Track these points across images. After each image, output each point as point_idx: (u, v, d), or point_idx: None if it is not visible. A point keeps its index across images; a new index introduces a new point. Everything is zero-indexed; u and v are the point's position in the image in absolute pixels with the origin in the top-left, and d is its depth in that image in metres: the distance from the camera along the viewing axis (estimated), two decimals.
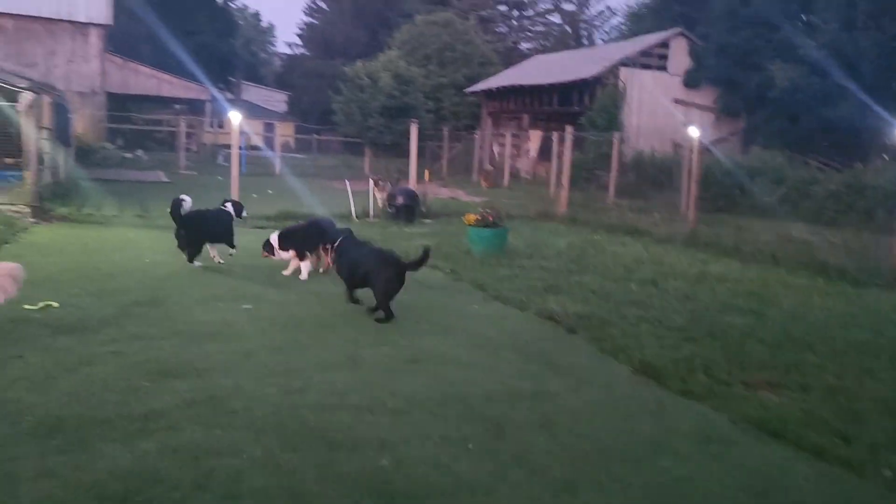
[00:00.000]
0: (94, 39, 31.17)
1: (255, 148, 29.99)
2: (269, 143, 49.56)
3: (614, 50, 29.68)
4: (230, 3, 62.17)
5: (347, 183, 16.27)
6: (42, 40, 30.32)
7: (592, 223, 16.17)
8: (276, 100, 63.42)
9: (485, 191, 24.72)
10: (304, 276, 8.93)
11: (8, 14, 29.55)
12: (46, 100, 15.46)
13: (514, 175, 28.83)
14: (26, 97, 12.91)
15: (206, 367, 5.33)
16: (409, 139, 30.35)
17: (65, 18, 30.47)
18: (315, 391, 4.94)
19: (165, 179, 23.49)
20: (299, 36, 67.46)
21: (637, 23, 40.92)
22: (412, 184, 16.59)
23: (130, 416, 4.38)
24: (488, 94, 36.66)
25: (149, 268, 9.14)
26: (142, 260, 9.67)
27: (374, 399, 4.84)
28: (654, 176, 24.02)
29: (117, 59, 32.74)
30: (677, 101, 29.70)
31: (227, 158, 32.75)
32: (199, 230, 9.32)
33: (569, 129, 18.33)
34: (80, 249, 10.27)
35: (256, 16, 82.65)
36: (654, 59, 29.28)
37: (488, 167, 29.18)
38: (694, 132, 19.16)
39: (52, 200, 14.35)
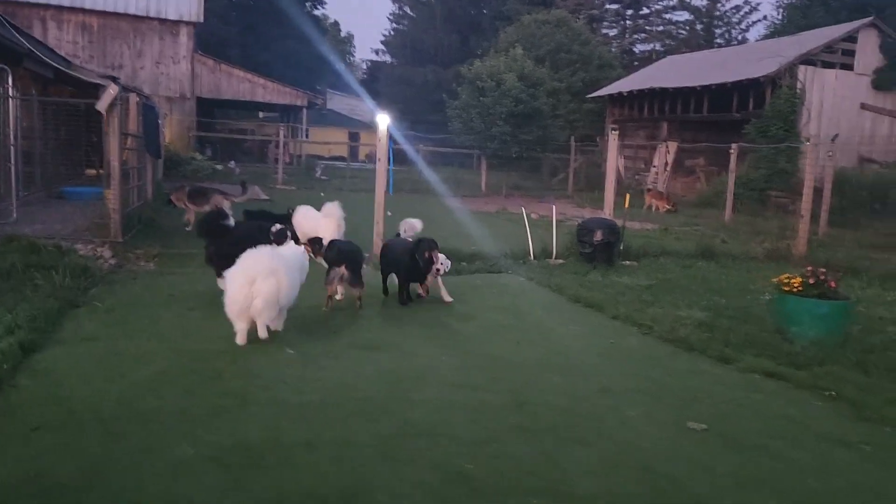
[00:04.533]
0: (185, 39, 28.18)
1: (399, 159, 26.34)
2: (354, 152, 46.57)
3: (785, 45, 24.75)
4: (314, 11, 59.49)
5: (523, 209, 12.05)
6: (129, 39, 27.44)
7: (853, 269, 11.55)
8: (361, 109, 60.50)
9: (660, 216, 20.17)
10: None
11: (94, 11, 26.79)
12: (134, 98, 11.88)
13: (641, 193, 24.15)
14: (109, 91, 9.23)
15: None
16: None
17: (153, 16, 27.55)
18: None
19: (264, 196, 19.88)
20: (384, 43, 64.26)
21: (798, 16, 35.43)
22: (608, 212, 12.27)
23: None
24: (614, 99, 32.12)
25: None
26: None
27: None
28: (862, 199, 19.06)
29: (209, 61, 29.66)
30: (864, 107, 24.54)
31: (326, 172, 29.40)
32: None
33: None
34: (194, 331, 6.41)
35: (336, 25, 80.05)
36: (837, 56, 24.24)
37: (651, 185, 24.55)
38: None
39: (140, 234, 10.69)
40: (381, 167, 10.37)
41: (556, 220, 11.88)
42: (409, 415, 4.69)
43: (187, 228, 11.98)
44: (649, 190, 22.59)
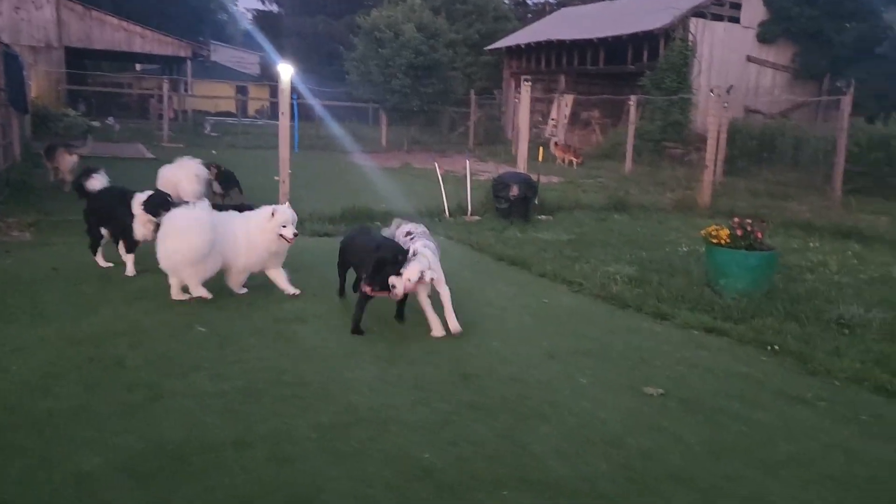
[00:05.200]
0: None
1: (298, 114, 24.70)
2: (243, 108, 44.32)
3: None
4: None
5: (437, 165, 11.55)
6: None
7: (756, 217, 11.83)
8: (248, 62, 57.59)
9: (563, 169, 20.08)
10: None
11: None
12: None
13: (542, 146, 24.07)
14: None
15: None
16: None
17: None
18: None
19: (150, 155, 18.44)
20: None
21: None
22: (522, 165, 11.98)
23: None
24: (511, 52, 31.86)
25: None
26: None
27: None
28: (752, 149, 19.74)
29: (77, 7, 27.01)
30: (750, 59, 25.41)
31: (216, 128, 27.67)
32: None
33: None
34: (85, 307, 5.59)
35: None
36: (725, 9, 24.84)
37: (555, 138, 24.32)
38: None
39: (11, 199, 9.50)
40: (285, 122, 9.57)
41: (467, 176, 11.47)
42: (348, 398, 4.20)
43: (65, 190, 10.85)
44: (557, 144, 22.52)
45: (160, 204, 6.45)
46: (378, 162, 19.97)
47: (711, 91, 13.53)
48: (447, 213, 10.94)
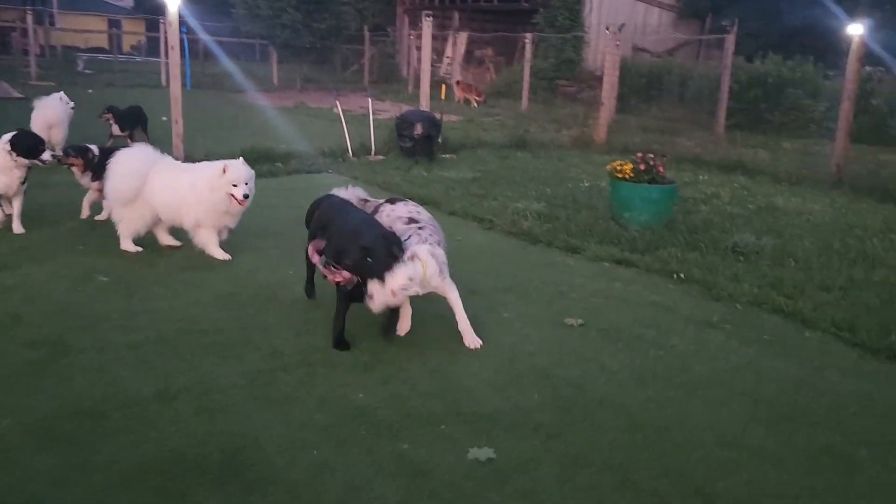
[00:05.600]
0: None
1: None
2: (118, 43, 41.25)
3: None
4: None
5: (338, 103, 11.18)
6: None
7: (649, 153, 12.28)
8: None
9: (461, 107, 19.91)
10: None
11: None
12: None
13: (446, 85, 23.78)
14: None
15: None
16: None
17: None
18: None
19: (17, 94, 16.90)
20: None
21: None
22: (424, 103, 11.80)
23: None
24: None
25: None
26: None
27: None
28: (641, 86, 20.34)
29: None
30: None
31: (90, 65, 25.63)
32: None
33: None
34: None
35: None
36: None
37: (456, 77, 23.97)
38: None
39: None
40: (175, 57, 8.96)
41: (370, 115, 11.20)
42: (272, 344, 4.08)
43: None
44: (458, 83, 22.30)
45: (31, 146, 5.82)
46: (271, 101, 19.19)
47: (607, 29, 13.69)
48: (350, 152, 10.68)
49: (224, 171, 5.25)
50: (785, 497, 2.86)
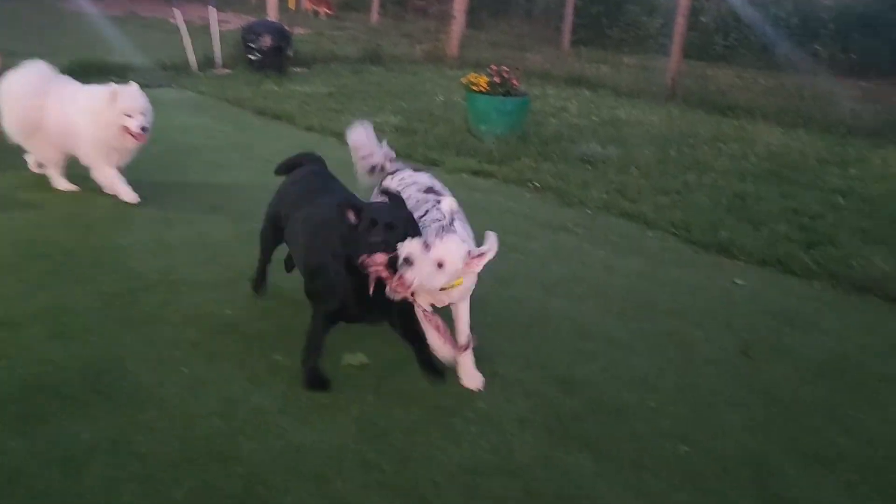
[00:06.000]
0: None
1: None
2: None
3: None
4: None
5: (178, 13, 10.35)
6: None
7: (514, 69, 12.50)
8: None
9: (309, 19, 19.00)
10: None
11: None
12: None
13: None
14: None
15: None
16: None
17: None
18: None
19: None
20: None
21: None
22: (272, 13, 11.20)
23: None
24: None
25: None
26: None
27: None
28: (490, 2, 20.38)
29: None
30: None
31: None
32: None
33: None
34: None
35: None
36: None
37: None
38: None
39: None
40: None
41: (214, 24, 10.49)
42: (128, 265, 3.87)
43: None
44: None
45: None
46: (98, 9, 17.42)
47: None
48: (194, 65, 10.02)
49: (113, 98, 4.46)
50: (635, 378, 3.16)
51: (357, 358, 3.12)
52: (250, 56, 10.20)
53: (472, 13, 19.28)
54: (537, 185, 5.90)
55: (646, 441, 2.72)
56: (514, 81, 7.30)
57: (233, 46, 10.52)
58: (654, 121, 8.91)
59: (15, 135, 4.83)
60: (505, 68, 7.38)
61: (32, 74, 4.78)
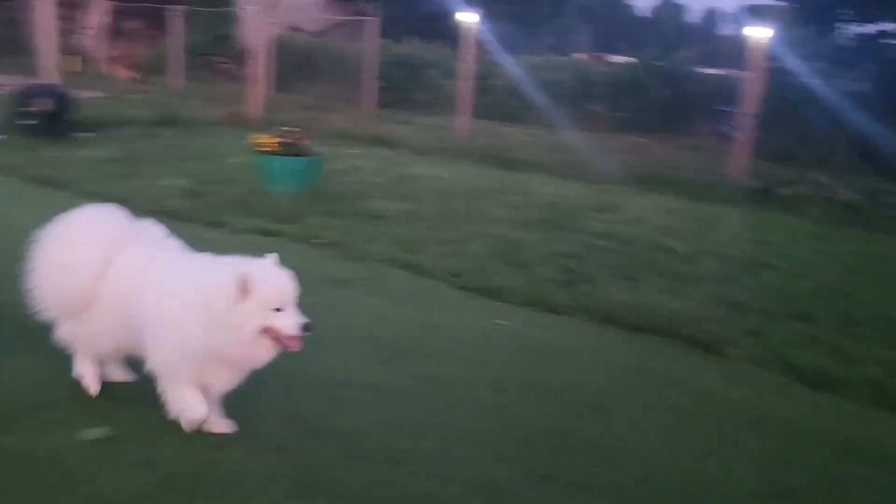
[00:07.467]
0: None
1: None
2: None
3: None
4: None
5: None
6: None
7: (303, 129, 12.66)
8: None
9: (116, 85, 18.06)
10: None
11: None
12: None
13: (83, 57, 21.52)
14: None
15: None
16: None
17: None
18: None
19: None
20: None
21: None
22: (51, 76, 10.60)
23: None
24: None
25: None
26: None
27: None
28: (298, 64, 20.65)
29: None
30: None
31: None
32: None
33: None
34: None
35: None
36: None
37: (98, 49, 21.42)
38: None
39: None
40: None
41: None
42: None
43: None
44: (113, 59, 20.24)
45: None
46: None
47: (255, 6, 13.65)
48: None
49: (245, 287, 2.71)
50: (387, 421, 3.28)
51: (95, 433, 2.98)
52: (26, 121, 9.57)
53: (281, 76, 19.46)
54: (324, 241, 6.00)
55: (391, 481, 2.82)
56: (305, 142, 7.43)
57: (4, 111, 9.82)
58: (446, 176, 9.40)
59: (52, 311, 3.18)
60: (295, 129, 7.51)
61: (97, 220, 3.20)
